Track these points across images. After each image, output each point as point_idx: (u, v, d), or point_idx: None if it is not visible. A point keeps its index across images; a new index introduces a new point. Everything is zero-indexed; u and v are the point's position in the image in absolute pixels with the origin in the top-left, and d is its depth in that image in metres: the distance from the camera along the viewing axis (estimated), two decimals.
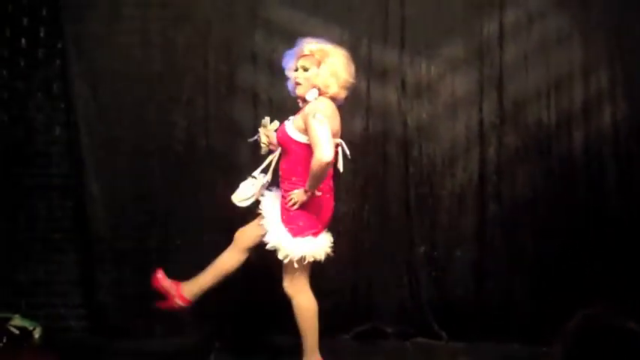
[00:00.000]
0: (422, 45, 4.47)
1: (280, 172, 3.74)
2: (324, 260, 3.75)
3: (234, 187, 3.83)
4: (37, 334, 4.23)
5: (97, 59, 4.41)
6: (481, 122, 4.48)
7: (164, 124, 4.43)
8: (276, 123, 3.82)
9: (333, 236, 4.05)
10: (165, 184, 4.43)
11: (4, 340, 4.15)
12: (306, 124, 3.54)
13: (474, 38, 4.46)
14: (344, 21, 4.43)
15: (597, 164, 4.44)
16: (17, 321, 4.22)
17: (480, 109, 4.47)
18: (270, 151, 3.86)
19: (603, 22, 4.42)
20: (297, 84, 3.69)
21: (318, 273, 4.44)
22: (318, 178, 3.53)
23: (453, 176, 4.51)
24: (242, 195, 3.79)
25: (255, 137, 3.87)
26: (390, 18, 4.45)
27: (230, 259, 3.84)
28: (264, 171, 3.82)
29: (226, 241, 4.15)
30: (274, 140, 3.80)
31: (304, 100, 3.68)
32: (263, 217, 3.73)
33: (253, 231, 3.81)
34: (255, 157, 4.02)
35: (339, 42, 4.39)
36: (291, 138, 3.62)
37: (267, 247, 3.64)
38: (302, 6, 4.42)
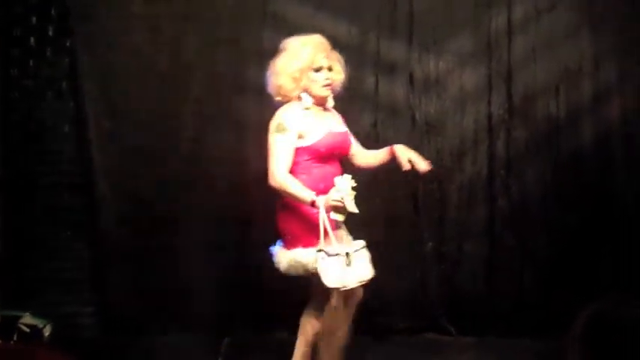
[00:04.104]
0: (430, 40, 4.46)
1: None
2: None
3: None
4: (47, 332, 4.21)
5: (105, 57, 4.42)
6: (490, 116, 4.46)
7: (173, 122, 4.43)
8: None
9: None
10: (174, 181, 4.43)
11: (15, 338, 4.14)
12: None
13: (482, 32, 4.44)
14: (352, 16, 4.42)
15: (606, 158, 4.42)
16: (27, 319, 4.19)
17: (489, 104, 4.46)
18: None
19: (612, 13, 4.39)
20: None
21: None
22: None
23: (461, 171, 4.50)
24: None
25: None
26: (398, 13, 4.44)
27: None
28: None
29: (236, 239, 4.22)
30: None
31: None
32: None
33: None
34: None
35: (346, 37, 4.43)
36: None
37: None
38: (310, 1, 4.40)
